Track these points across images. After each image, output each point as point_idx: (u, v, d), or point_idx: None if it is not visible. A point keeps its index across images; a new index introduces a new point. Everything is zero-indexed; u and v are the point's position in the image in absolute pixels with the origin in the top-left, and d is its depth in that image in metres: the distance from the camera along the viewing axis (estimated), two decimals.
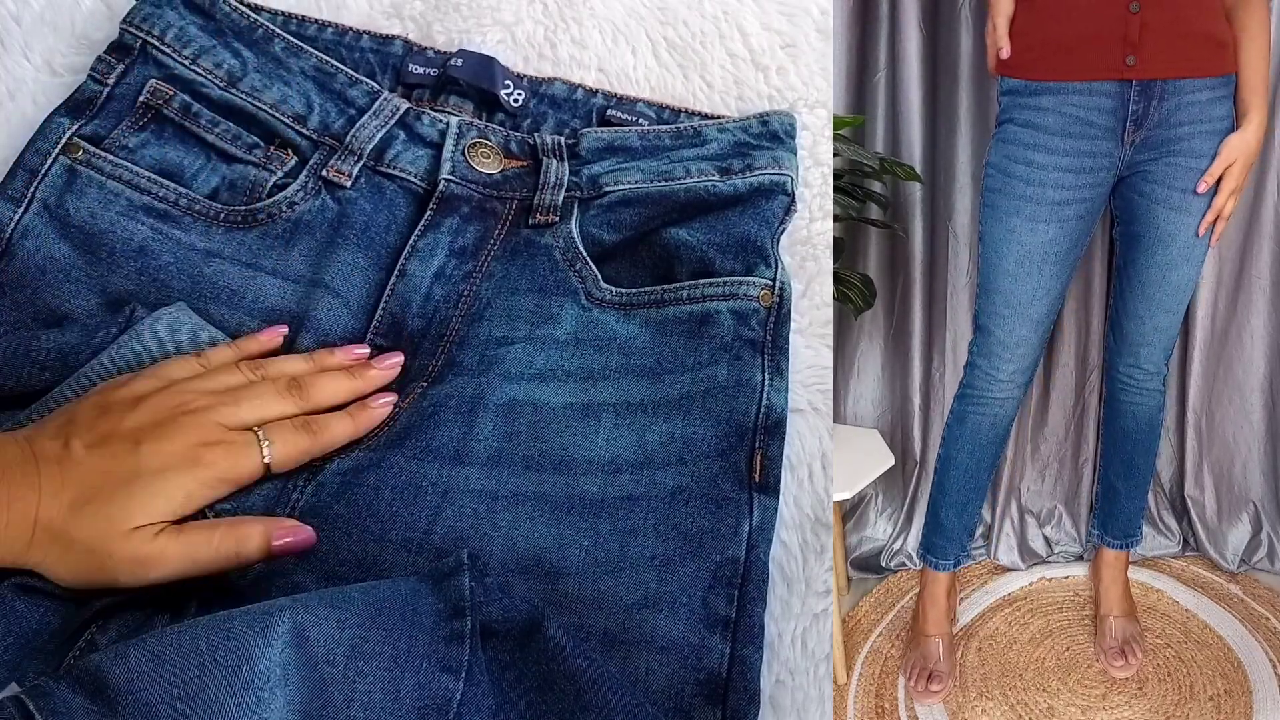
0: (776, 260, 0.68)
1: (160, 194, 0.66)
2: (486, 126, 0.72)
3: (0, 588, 0.50)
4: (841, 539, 1.44)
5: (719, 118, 0.74)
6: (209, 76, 0.69)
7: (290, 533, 0.54)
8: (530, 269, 0.67)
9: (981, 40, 1.38)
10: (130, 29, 0.69)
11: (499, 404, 0.62)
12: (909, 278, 1.52)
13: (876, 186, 1.45)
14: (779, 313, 0.66)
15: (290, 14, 0.74)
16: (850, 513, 1.56)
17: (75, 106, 0.67)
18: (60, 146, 0.66)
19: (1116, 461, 1.39)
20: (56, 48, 0.72)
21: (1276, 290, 1.48)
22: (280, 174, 0.68)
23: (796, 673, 0.59)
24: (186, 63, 0.69)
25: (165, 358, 0.60)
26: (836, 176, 1.27)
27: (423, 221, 0.68)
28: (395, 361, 0.63)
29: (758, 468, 0.61)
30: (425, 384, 0.63)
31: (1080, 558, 1.54)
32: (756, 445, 0.61)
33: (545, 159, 0.70)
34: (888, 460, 1.35)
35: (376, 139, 0.69)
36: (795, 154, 0.73)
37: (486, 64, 0.73)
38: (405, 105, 0.71)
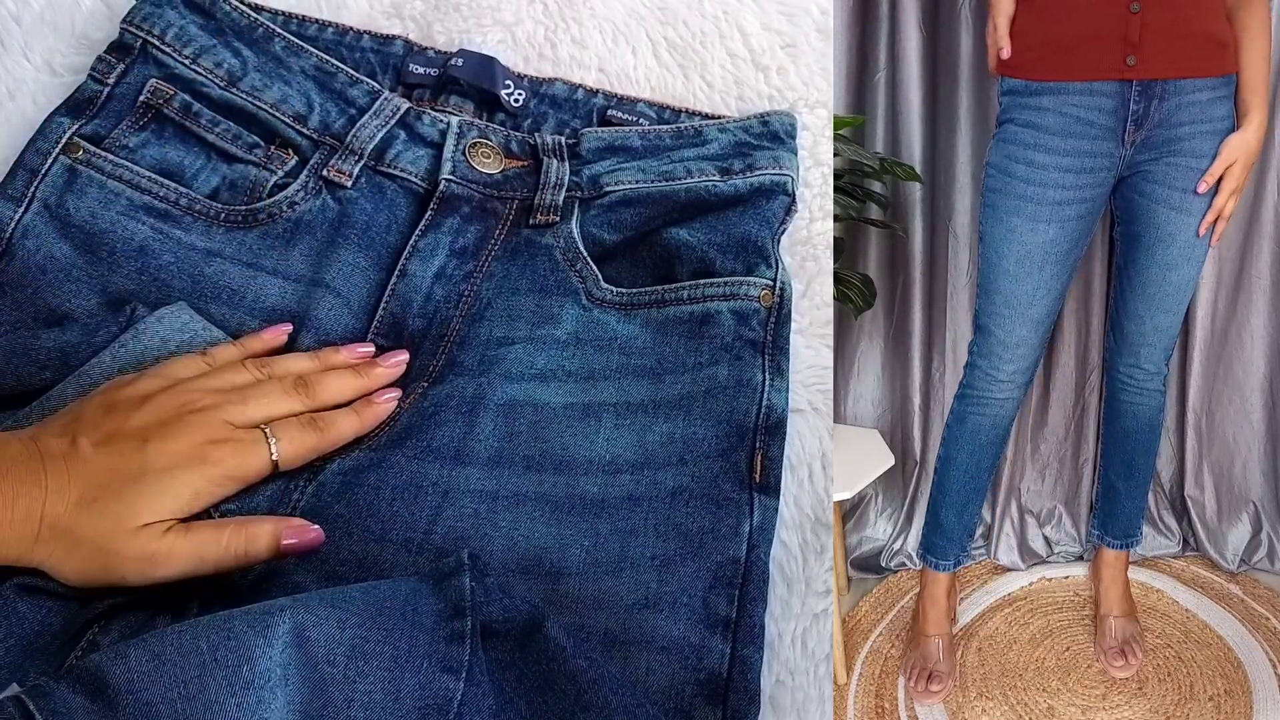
0: (777, 260, 0.68)
1: (161, 194, 0.66)
2: (487, 126, 0.72)
3: (2, 588, 0.50)
4: (841, 539, 1.44)
5: (719, 118, 0.74)
6: (209, 76, 0.69)
7: (299, 532, 0.54)
8: (531, 269, 0.67)
9: (981, 40, 1.38)
10: (130, 28, 0.69)
11: (500, 404, 0.62)
12: (909, 278, 1.52)
13: (876, 186, 1.45)
14: (779, 313, 0.66)
15: (290, 14, 0.74)
16: (850, 513, 1.56)
17: (75, 106, 0.67)
18: (60, 146, 0.66)
19: (1117, 461, 1.39)
20: (56, 48, 0.72)
21: (1276, 290, 1.49)
22: (281, 174, 0.68)
23: (796, 673, 0.59)
24: (187, 62, 0.69)
25: (166, 357, 0.60)
26: (836, 176, 1.27)
27: (423, 221, 0.68)
28: (401, 359, 0.63)
29: (758, 468, 0.61)
30: (426, 384, 0.63)
31: (1080, 558, 1.54)
32: (757, 445, 0.61)
33: (546, 159, 0.70)
34: (888, 460, 1.35)
35: (377, 139, 0.69)
36: (796, 154, 0.73)
37: (487, 64, 0.73)
38: (406, 105, 0.71)
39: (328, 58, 0.72)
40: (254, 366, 0.60)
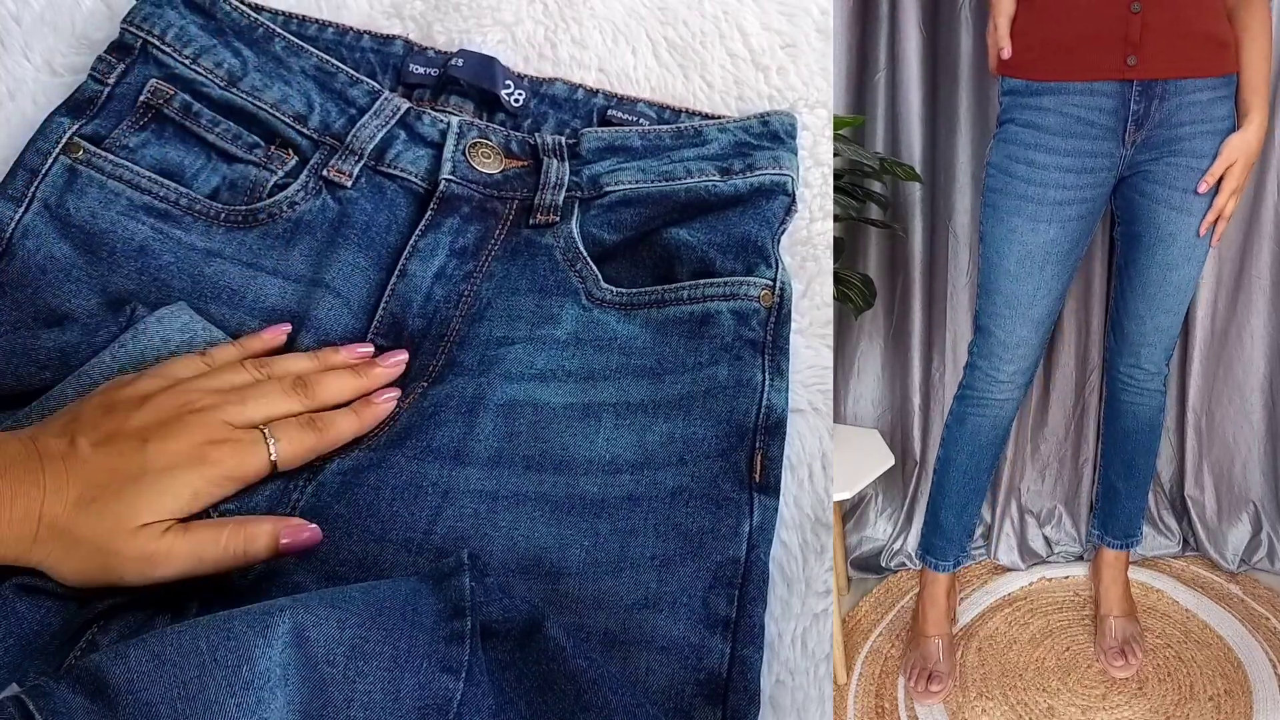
0: (777, 260, 0.68)
1: (161, 194, 0.66)
2: (487, 126, 0.72)
3: (1, 588, 0.50)
4: (841, 539, 1.44)
5: (719, 118, 0.74)
6: (209, 76, 0.69)
7: (297, 531, 0.54)
8: (531, 269, 0.67)
9: (982, 40, 1.38)
10: (130, 28, 0.69)
11: (499, 404, 0.62)
12: (909, 278, 1.52)
13: (876, 186, 1.45)
14: (779, 313, 0.66)
15: (290, 14, 0.74)
16: (850, 513, 1.56)
17: (76, 106, 0.67)
18: (61, 146, 0.66)
19: (1117, 462, 1.39)
20: (56, 48, 0.72)
21: (1276, 290, 1.49)
22: (281, 174, 0.68)
23: (796, 673, 0.59)
24: (187, 62, 0.69)
25: (166, 357, 0.60)
26: (836, 176, 1.27)
27: (423, 221, 0.68)
28: (400, 359, 0.63)
29: (758, 468, 0.61)
30: (426, 384, 0.63)
31: (1080, 558, 1.54)
32: (757, 445, 0.61)
33: (546, 159, 0.70)
34: (888, 460, 1.35)
35: (377, 139, 0.69)
36: (796, 154, 0.73)
37: (487, 64, 0.73)
38: (406, 105, 0.71)
39: (328, 58, 0.72)
40: (253, 367, 0.60)
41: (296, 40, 0.72)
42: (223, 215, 0.67)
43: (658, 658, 0.55)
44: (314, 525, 0.55)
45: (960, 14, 1.40)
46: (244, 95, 0.69)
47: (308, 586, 0.54)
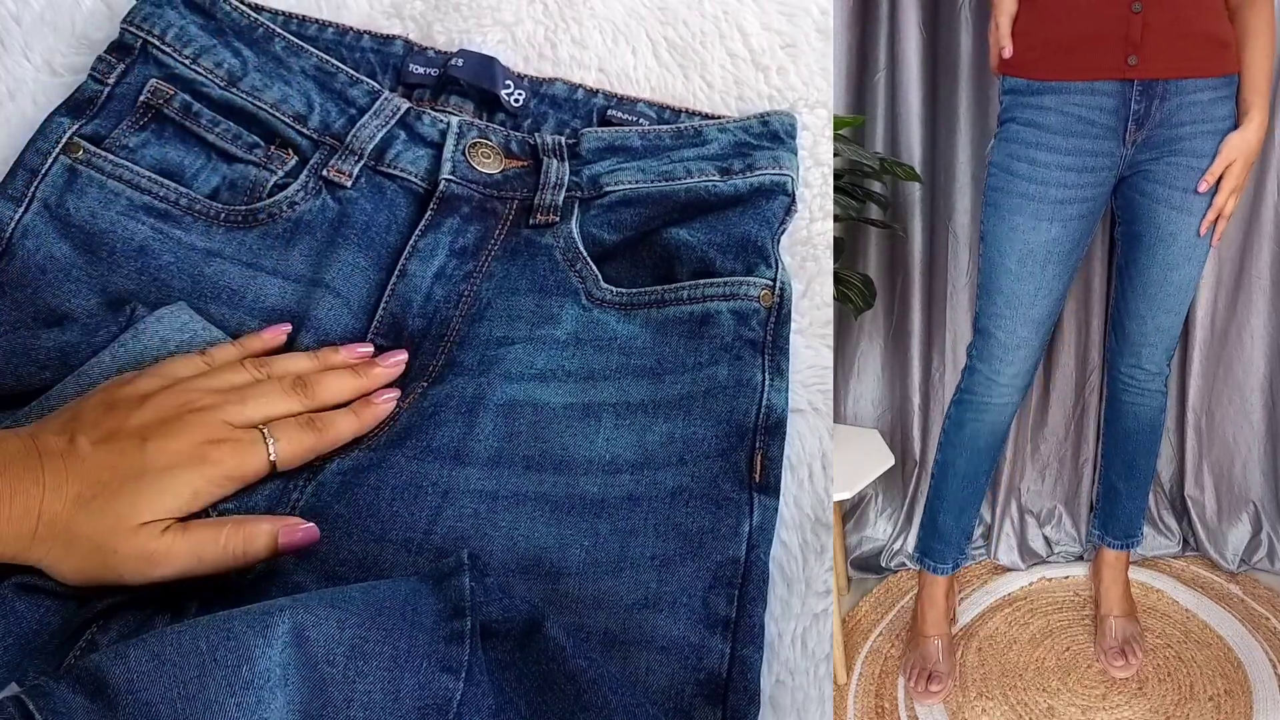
0: (777, 260, 0.68)
1: (161, 194, 0.66)
2: (487, 126, 0.72)
3: (1, 587, 0.50)
4: (841, 539, 1.44)
5: (719, 118, 0.74)
6: (209, 76, 0.69)
7: (296, 530, 0.54)
8: (531, 269, 0.67)
9: (982, 40, 1.38)
10: (130, 28, 0.69)
11: (499, 404, 0.62)
12: (909, 278, 1.52)
13: (876, 186, 1.45)
14: (779, 313, 0.66)
15: (290, 14, 0.74)
16: (850, 513, 1.56)
17: (75, 106, 0.67)
18: (61, 146, 0.66)
19: (1118, 462, 1.39)
20: (56, 48, 0.72)
21: (1276, 290, 1.49)
22: (281, 174, 0.68)
23: (796, 673, 0.59)
24: (187, 62, 0.69)
25: (166, 356, 0.60)
26: (836, 176, 1.27)
27: (423, 221, 0.68)
28: (400, 359, 0.63)
29: (758, 468, 0.61)
30: (426, 384, 0.63)
31: (1080, 558, 1.54)
32: (757, 445, 0.61)
33: (546, 159, 0.70)
34: (888, 460, 1.35)
35: (377, 139, 0.69)
36: (796, 154, 0.73)
37: (487, 64, 0.73)
38: (406, 105, 0.71)
39: (328, 58, 0.72)
40: (253, 366, 0.60)
41: (296, 40, 0.72)
42: (223, 215, 0.67)
43: (658, 658, 0.55)
44: (312, 524, 0.55)
45: (960, 14, 1.40)
46: (244, 95, 0.69)
47: (308, 586, 0.54)
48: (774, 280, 0.67)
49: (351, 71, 0.72)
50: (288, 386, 0.59)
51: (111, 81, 0.68)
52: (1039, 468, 1.56)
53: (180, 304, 0.63)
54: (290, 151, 0.69)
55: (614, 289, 0.67)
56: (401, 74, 0.74)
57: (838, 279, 1.25)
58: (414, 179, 0.70)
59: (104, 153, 0.66)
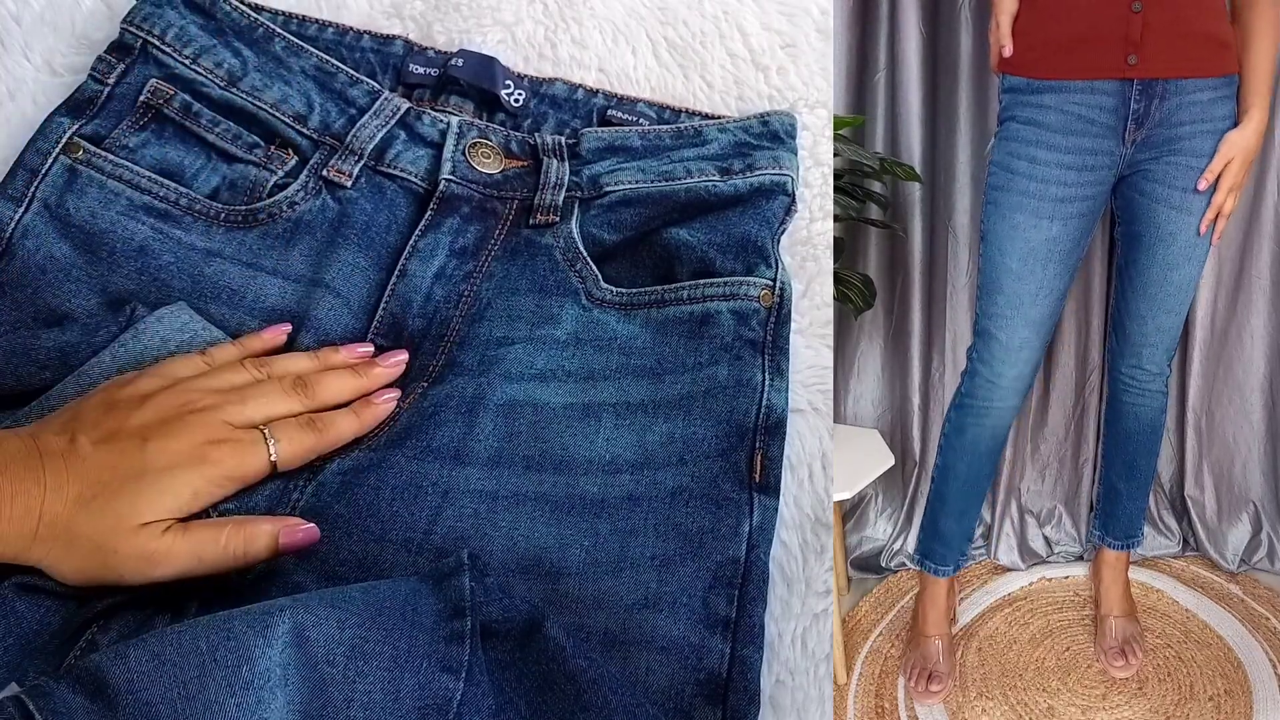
0: (777, 260, 0.68)
1: (161, 194, 0.66)
2: (487, 126, 0.72)
3: (1, 587, 0.50)
4: (841, 539, 1.44)
5: (719, 118, 0.74)
6: (209, 76, 0.69)
7: (296, 531, 0.54)
8: (531, 269, 0.67)
9: (982, 40, 1.38)
10: (130, 28, 0.69)
11: (499, 404, 0.62)
12: (909, 278, 1.52)
13: (876, 186, 1.45)
14: (779, 313, 0.66)
15: (290, 14, 0.74)
16: (850, 513, 1.56)
17: (76, 106, 0.67)
18: (61, 146, 0.66)
19: (1118, 462, 1.39)
20: (56, 48, 0.72)
21: (1276, 290, 1.49)
22: (281, 174, 0.68)
23: (796, 673, 0.59)
24: (187, 62, 0.69)
25: (166, 356, 0.60)
26: (836, 176, 1.27)
27: (423, 221, 0.68)
28: (400, 359, 0.63)
29: (758, 468, 0.61)
30: (426, 384, 0.63)
31: (1080, 558, 1.54)
32: (757, 445, 0.61)
33: (546, 159, 0.70)
34: (888, 460, 1.35)
35: (377, 139, 0.69)
36: (796, 154, 0.73)
37: (487, 64, 0.73)
38: (406, 105, 0.71)
39: (328, 58, 0.72)
40: (253, 366, 0.60)
41: (296, 40, 0.72)
42: (223, 215, 0.67)
43: (658, 658, 0.55)
44: (313, 524, 0.55)
45: (960, 14, 1.40)
46: (244, 95, 0.69)
47: (308, 586, 0.54)
48: (774, 280, 0.67)
49: (351, 71, 0.72)
50: (288, 386, 0.59)
51: (111, 81, 0.68)
52: (1039, 468, 1.56)
53: (180, 304, 0.63)
54: (290, 151, 0.69)
55: (614, 289, 0.67)
56: (401, 74, 0.74)
57: (838, 279, 1.25)
58: (414, 179, 0.70)
59: (104, 153, 0.66)
